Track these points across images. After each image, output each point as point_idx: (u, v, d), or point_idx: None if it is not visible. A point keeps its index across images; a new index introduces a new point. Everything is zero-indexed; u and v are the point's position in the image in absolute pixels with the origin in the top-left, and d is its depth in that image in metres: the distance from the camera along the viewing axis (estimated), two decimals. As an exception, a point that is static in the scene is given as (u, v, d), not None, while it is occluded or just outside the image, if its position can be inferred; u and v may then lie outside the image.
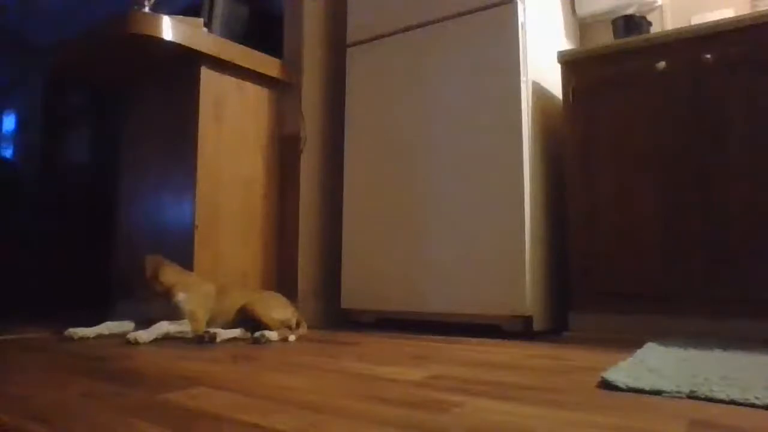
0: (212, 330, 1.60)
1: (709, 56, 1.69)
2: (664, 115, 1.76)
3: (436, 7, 2.05)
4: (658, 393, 0.91)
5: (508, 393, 0.94)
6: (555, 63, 2.02)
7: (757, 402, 0.83)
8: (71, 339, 1.59)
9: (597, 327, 1.79)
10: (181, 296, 1.65)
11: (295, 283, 2.20)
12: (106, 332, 1.67)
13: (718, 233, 1.64)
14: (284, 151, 2.32)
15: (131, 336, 1.52)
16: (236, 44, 2.14)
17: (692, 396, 0.89)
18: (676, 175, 1.72)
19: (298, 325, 1.79)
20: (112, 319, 1.72)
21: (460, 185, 1.94)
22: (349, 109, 2.26)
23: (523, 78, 1.86)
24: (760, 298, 1.57)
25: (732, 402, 0.85)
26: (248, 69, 2.17)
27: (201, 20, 2.10)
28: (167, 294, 1.65)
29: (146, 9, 1.96)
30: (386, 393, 0.94)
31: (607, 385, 0.98)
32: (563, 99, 1.94)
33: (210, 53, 2.02)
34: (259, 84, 2.25)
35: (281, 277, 2.25)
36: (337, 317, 2.26)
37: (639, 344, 1.45)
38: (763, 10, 1.64)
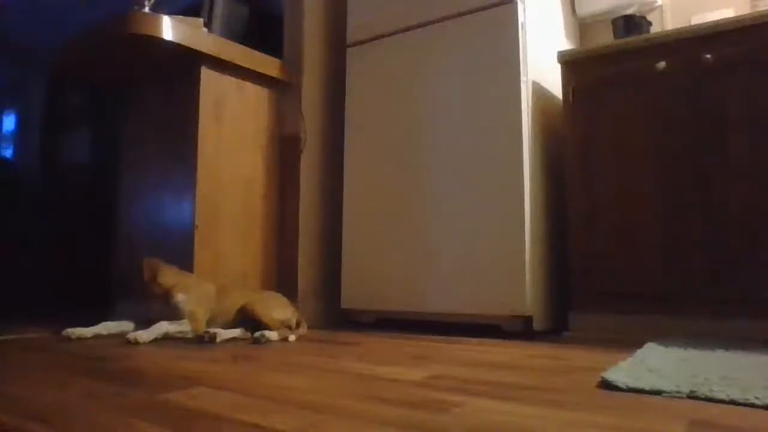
0: (212, 330, 1.60)
1: (709, 56, 1.69)
2: (664, 115, 1.76)
3: (436, 7, 2.05)
4: (658, 393, 0.91)
5: (508, 393, 0.94)
6: (555, 63, 2.02)
7: (757, 402, 0.83)
8: (68, 339, 1.59)
9: (597, 327, 1.79)
10: (180, 297, 1.65)
11: (295, 283, 2.20)
12: (104, 332, 1.67)
13: (718, 233, 1.64)
14: (284, 151, 2.32)
15: (131, 336, 1.52)
16: (236, 44, 2.14)
17: (692, 396, 0.89)
18: (676, 175, 1.72)
19: (298, 325, 1.79)
20: (111, 320, 1.72)
21: (460, 185, 1.94)
22: (349, 109, 2.26)
23: (523, 78, 1.86)
24: (760, 298, 1.56)
25: (732, 402, 0.85)
26: (248, 69, 2.17)
27: (201, 20, 2.10)
28: (167, 295, 1.65)
29: (146, 9, 1.96)
30: (386, 393, 0.94)
31: (607, 385, 0.98)
32: (563, 99, 1.94)
33: (210, 53, 2.02)
34: (259, 84, 2.25)
35: (281, 277, 2.25)
36: (337, 317, 2.26)
37: (639, 344, 1.45)
38: (763, 10, 1.64)
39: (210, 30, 2.20)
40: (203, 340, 1.58)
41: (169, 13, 2.00)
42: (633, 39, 1.83)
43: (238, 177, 2.14)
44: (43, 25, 3.65)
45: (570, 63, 1.94)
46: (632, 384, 0.95)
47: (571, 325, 1.84)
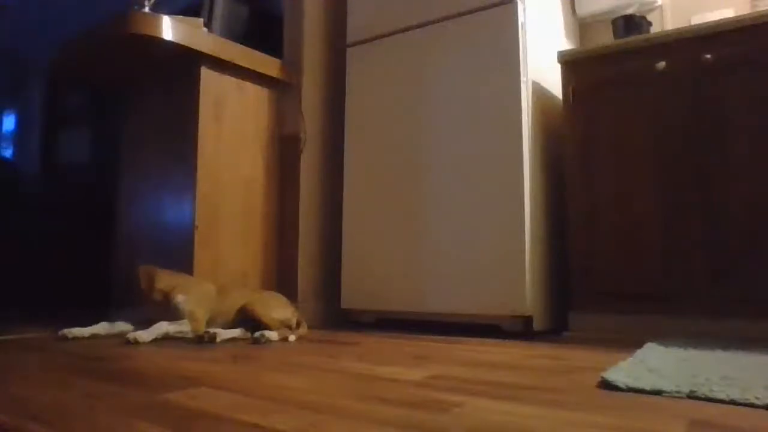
0: (212, 330, 1.60)
1: (709, 56, 1.69)
2: (664, 115, 1.76)
3: (436, 7, 2.05)
4: (658, 393, 0.91)
5: (508, 393, 0.94)
6: (555, 63, 2.02)
7: (757, 402, 0.83)
8: (66, 338, 1.59)
9: (597, 327, 1.79)
10: (180, 298, 1.65)
11: (295, 283, 2.20)
12: (102, 332, 1.67)
13: (718, 233, 1.64)
14: (284, 151, 2.32)
15: (131, 336, 1.52)
16: (236, 44, 2.14)
17: (692, 396, 0.89)
18: (676, 175, 1.72)
19: (298, 325, 1.79)
20: (110, 320, 1.72)
21: (460, 185, 1.94)
22: (349, 109, 2.26)
23: (523, 78, 1.86)
24: (760, 298, 1.56)
25: (732, 402, 0.85)
26: (248, 69, 2.17)
27: (201, 20, 2.10)
28: (167, 298, 1.65)
29: (146, 9, 1.96)
30: (386, 393, 0.94)
31: (607, 385, 0.98)
32: (563, 99, 1.94)
33: (210, 53, 2.02)
34: (259, 84, 2.25)
35: (281, 277, 2.25)
36: (337, 317, 2.26)
37: (639, 344, 1.45)
38: (763, 10, 1.64)
39: (210, 30, 2.20)
40: (203, 340, 1.58)
41: (169, 13, 2.00)
42: (633, 39, 1.83)
43: (238, 177, 2.14)
44: (43, 25, 3.65)
45: (570, 63, 1.94)
46: (632, 384, 0.95)
47: (571, 325, 1.84)
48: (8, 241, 3.15)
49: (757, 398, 0.84)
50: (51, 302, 2.89)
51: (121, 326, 1.70)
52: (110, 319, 1.71)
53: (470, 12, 1.97)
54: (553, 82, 2.07)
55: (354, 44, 2.28)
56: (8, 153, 3.86)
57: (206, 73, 2.05)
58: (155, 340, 1.56)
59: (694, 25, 1.74)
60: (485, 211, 1.87)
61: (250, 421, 0.76)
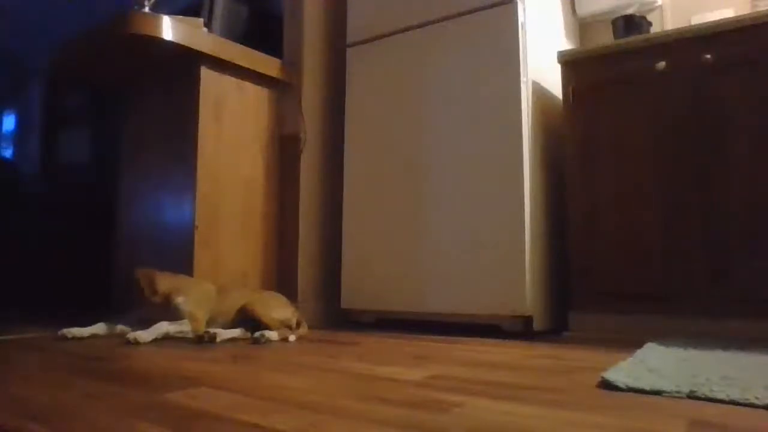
0: (212, 330, 1.60)
1: (709, 56, 1.69)
2: (664, 115, 1.76)
3: (436, 7, 2.05)
4: (658, 393, 0.91)
5: (508, 393, 0.94)
6: (555, 63, 2.02)
7: (757, 402, 0.83)
8: (65, 338, 1.59)
9: (597, 327, 1.79)
10: (180, 299, 1.65)
11: (295, 283, 2.20)
12: (102, 332, 1.67)
13: (718, 233, 1.64)
14: (284, 151, 2.32)
15: (131, 336, 1.52)
16: (236, 44, 2.14)
17: (692, 396, 0.89)
18: (676, 175, 1.72)
19: (298, 325, 1.79)
20: (109, 320, 1.71)
21: (460, 185, 1.94)
22: (349, 109, 2.26)
23: (523, 78, 1.86)
24: (760, 298, 1.56)
25: (732, 402, 0.85)
26: (248, 69, 2.17)
27: (201, 20, 2.10)
28: (167, 300, 1.65)
29: (146, 9, 1.96)
30: (386, 393, 0.94)
31: (607, 385, 0.98)
32: (563, 99, 1.94)
33: (210, 53, 2.02)
34: (259, 84, 2.25)
35: (281, 277, 2.25)
36: (337, 317, 2.26)
37: (639, 344, 1.45)
38: (763, 10, 1.64)
39: (210, 30, 2.20)
40: (203, 340, 1.58)
41: (169, 13, 2.00)
42: (633, 39, 1.83)
43: (238, 177, 2.14)
44: (43, 25, 3.65)
45: (570, 63, 1.94)
46: (632, 384, 0.95)
47: (571, 325, 1.84)
48: (8, 241, 3.15)
49: (757, 398, 0.84)
50: (51, 302, 2.89)
51: (121, 326, 1.70)
52: (110, 320, 1.71)
53: (470, 12, 1.97)
54: (553, 82, 2.07)
55: (354, 44, 2.28)
56: (8, 153, 3.86)
57: (206, 73, 2.05)
58: (155, 340, 1.56)
59: (694, 25, 1.74)
60: (485, 211, 1.87)
61: (250, 421, 0.76)
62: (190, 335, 1.63)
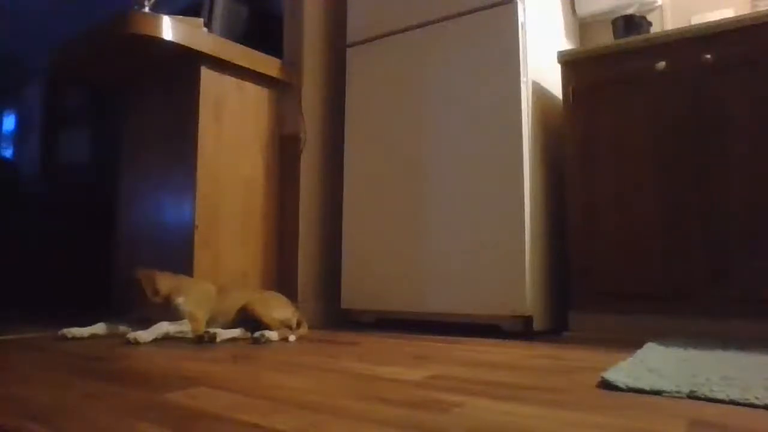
0: (212, 330, 1.60)
1: (709, 56, 1.69)
2: (664, 115, 1.76)
3: (436, 7, 2.05)
4: (658, 393, 0.91)
5: (508, 393, 0.94)
6: (555, 63, 2.02)
7: (757, 402, 0.83)
8: (65, 338, 1.59)
9: (597, 327, 1.79)
10: (180, 299, 1.65)
11: (295, 283, 2.20)
12: (101, 332, 1.67)
13: (718, 233, 1.64)
14: (284, 151, 2.32)
15: (131, 336, 1.52)
16: (236, 44, 2.14)
17: (692, 396, 0.89)
18: (676, 175, 1.72)
19: (298, 325, 1.79)
20: (109, 320, 1.71)
21: (459, 185, 1.94)
22: (349, 109, 2.26)
23: (523, 78, 1.86)
24: (760, 298, 1.56)
25: (732, 402, 0.85)
26: (248, 69, 2.17)
27: (201, 20, 2.10)
28: (167, 300, 1.65)
29: (146, 9, 1.96)
30: (386, 393, 0.94)
31: (607, 385, 0.98)
32: (563, 99, 1.94)
33: (210, 53, 2.02)
34: (259, 84, 2.25)
35: (281, 277, 2.25)
36: (337, 317, 2.26)
37: (639, 344, 1.45)
38: (763, 10, 1.64)
39: (210, 30, 2.20)
40: (203, 340, 1.58)
41: (169, 13, 2.00)
42: (633, 39, 1.83)
43: (238, 177, 2.14)
44: (43, 26, 3.65)
45: (570, 63, 1.94)
46: (632, 384, 0.95)
47: (571, 325, 1.84)
48: (8, 241, 3.15)
49: (757, 398, 0.84)
50: (51, 302, 2.89)
51: (121, 326, 1.70)
52: (110, 320, 1.71)
53: (470, 12, 1.97)
54: (553, 82, 2.07)
55: (354, 44, 2.28)
56: (8, 153, 3.86)
57: (206, 73, 2.05)
58: (155, 340, 1.56)
59: (695, 25, 1.74)
60: (485, 211, 1.87)
61: (250, 421, 0.76)
62: (190, 335, 1.63)
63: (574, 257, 1.86)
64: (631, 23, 2.07)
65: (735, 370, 1.05)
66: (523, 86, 1.85)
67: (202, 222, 1.98)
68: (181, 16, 2.02)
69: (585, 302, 1.82)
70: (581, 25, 2.51)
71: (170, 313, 1.63)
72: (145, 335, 1.54)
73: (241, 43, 2.17)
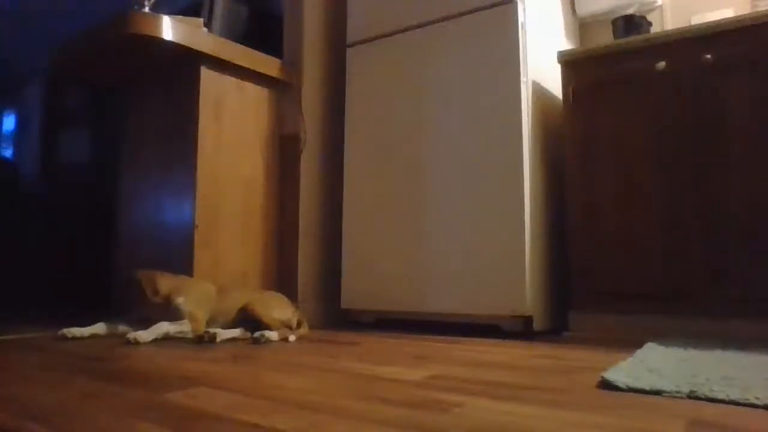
0: (212, 330, 1.60)
1: (709, 56, 1.69)
2: (664, 115, 1.76)
3: (436, 7, 2.05)
4: (658, 393, 0.91)
5: (508, 393, 0.94)
6: (555, 63, 2.02)
7: (757, 402, 0.83)
8: (65, 338, 1.59)
9: (597, 327, 1.79)
10: (180, 299, 1.65)
11: (295, 283, 2.20)
12: (101, 332, 1.67)
13: (718, 233, 1.64)
14: (284, 151, 2.32)
15: (131, 336, 1.52)
16: (236, 44, 2.14)
17: (692, 396, 0.89)
18: (676, 175, 1.72)
19: (299, 325, 1.79)
20: (109, 320, 1.71)
21: (460, 185, 1.94)
22: (349, 109, 2.26)
23: (523, 78, 1.86)
24: (760, 298, 1.56)
25: (732, 402, 0.85)
26: (248, 69, 2.17)
27: (201, 20, 2.10)
28: (167, 301, 1.65)
29: (146, 9, 1.96)
30: (386, 393, 0.94)
31: (607, 385, 0.98)
32: (563, 99, 1.94)
33: (210, 53, 2.02)
34: (259, 84, 2.25)
35: (281, 277, 2.25)
36: (337, 317, 2.26)
37: (639, 344, 1.45)
38: (763, 10, 1.64)
39: (210, 30, 2.20)
40: (203, 340, 1.58)
41: (169, 13, 2.00)
42: (633, 39, 1.83)
43: (238, 177, 2.14)
44: (43, 26, 3.65)
45: (570, 63, 1.94)
46: (632, 384, 0.95)
47: (571, 325, 1.84)
48: (8, 241, 3.15)
49: (757, 398, 0.84)
50: (51, 302, 2.89)
51: (121, 326, 1.70)
52: (110, 320, 1.71)
53: (470, 12, 1.97)
54: (553, 82, 2.07)
55: (354, 44, 2.28)
56: (8, 153, 3.86)
57: (206, 73, 2.05)
58: (155, 340, 1.56)
59: (694, 25, 1.74)
60: (485, 211, 1.87)
61: (250, 421, 0.76)
62: (190, 335, 1.63)
63: (574, 257, 1.86)
64: (631, 23, 2.07)
65: (735, 370, 1.05)
66: (523, 86, 1.85)
67: (202, 222, 1.98)
68: (181, 16, 2.02)
69: (585, 302, 1.82)
70: (581, 25, 2.51)
71: (170, 313, 1.63)
72: (145, 335, 1.54)
73: (241, 43, 2.17)
